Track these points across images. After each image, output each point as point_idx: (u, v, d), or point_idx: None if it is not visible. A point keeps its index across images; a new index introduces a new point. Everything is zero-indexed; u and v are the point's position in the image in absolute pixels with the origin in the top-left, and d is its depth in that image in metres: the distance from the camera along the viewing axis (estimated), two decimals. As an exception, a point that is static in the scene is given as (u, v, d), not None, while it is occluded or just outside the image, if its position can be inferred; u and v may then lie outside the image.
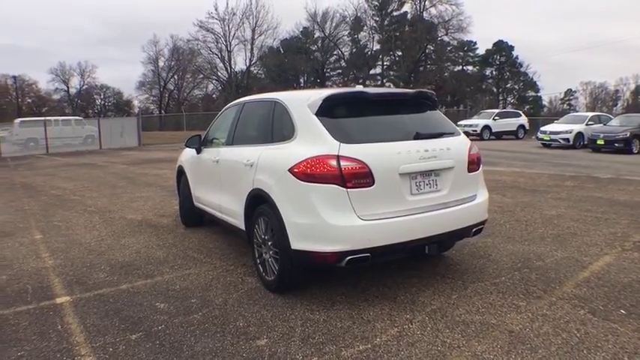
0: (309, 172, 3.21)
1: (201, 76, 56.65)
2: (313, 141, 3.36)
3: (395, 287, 3.75)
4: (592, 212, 6.25)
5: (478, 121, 24.53)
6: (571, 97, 60.54)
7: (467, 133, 23.44)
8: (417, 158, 3.36)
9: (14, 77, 56.63)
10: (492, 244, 4.89)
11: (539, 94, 55.42)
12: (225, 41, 53.24)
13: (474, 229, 3.74)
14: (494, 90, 56.00)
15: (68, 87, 63.28)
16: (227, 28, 52.64)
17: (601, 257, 4.36)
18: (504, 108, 44.00)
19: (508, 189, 8.12)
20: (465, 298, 3.51)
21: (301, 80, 54.82)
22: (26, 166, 16.22)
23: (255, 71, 55.60)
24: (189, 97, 61.45)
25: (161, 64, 59.09)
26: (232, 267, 4.42)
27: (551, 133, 18.93)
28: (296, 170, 3.27)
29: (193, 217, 5.85)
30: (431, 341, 2.87)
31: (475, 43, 53.71)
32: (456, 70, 52.83)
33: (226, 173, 4.54)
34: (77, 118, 29.07)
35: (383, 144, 3.33)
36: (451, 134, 3.77)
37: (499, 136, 24.42)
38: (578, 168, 11.39)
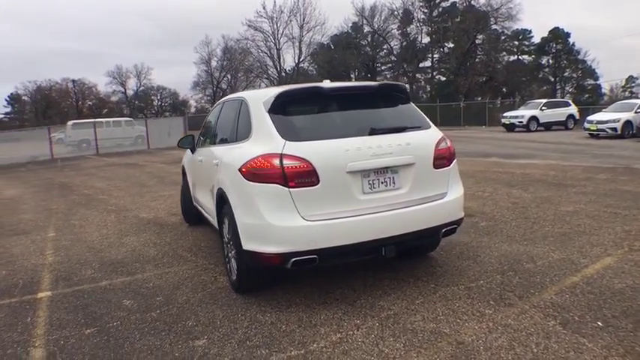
0: (254, 172, 3.15)
1: (253, 75, 57.91)
2: (263, 140, 3.29)
3: (360, 290, 3.60)
4: (612, 208, 5.67)
5: (524, 112, 23.12)
6: (633, 85, 55.58)
7: (513, 125, 22.64)
8: (368, 155, 3.18)
9: (73, 81, 60.68)
10: (487, 243, 4.57)
11: (598, 82, 51.54)
12: (274, 39, 54.12)
13: (443, 230, 3.49)
14: (551, 79, 52.67)
15: (125, 89, 66.11)
16: (275, 26, 53.49)
17: (601, 259, 3.94)
18: (562, 97, 41.28)
19: (533, 183, 7.58)
20: (429, 303, 3.30)
21: (352, 75, 54.57)
22: (72, 166, 17.37)
23: (305, 67, 56.04)
24: None
25: (214, 63, 60.79)
26: (212, 266, 4.45)
27: (598, 122, 17.44)
28: (244, 170, 3.22)
29: (193, 215, 5.97)
30: (368, 350, 2.72)
31: (530, 32, 50.99)
32: (511, 59, 50.29)
33: (204, 173, 4.58)
34: (127, 119, 30.52)
35: (330, 141, 3.19)
36: (416, 128, 3.55)
37: (548, 127, 22.88)
38: (618, 159, 10.41)
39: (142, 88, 66.36)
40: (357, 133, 3.28)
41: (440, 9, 49.84)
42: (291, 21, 53.23)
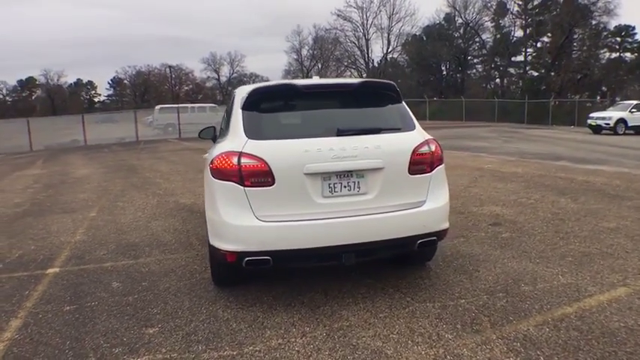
0: (217, 169, 3.16)
1: (343, 66, 58.23)
2: (233, 137, 3.28)
3: (332, 295, 3.48)
4: (665, 230, 4.85)
5: (612, 114, 20.62)
6: None
7: (599, 127, 20.27)
8: (329, 157, 3.03)
9: (170, 67, 65.02)
10: (496, 258, 4.17)
11: None
12: (363, 29, 53.87)
13: (419, 241, 3.23)
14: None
15: (219, 75, 68.88)
16: (365, 16, 53.19)
17: (613, 289, 3.39)
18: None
19: (587, 192, 6.74)
20: (391, 319, 3.08)
21: (442, 68, 52.79)
22: (150, 149, 18.76)
23: (396, 58, 55.23)
24: None
25: (304, 52, 61.64)
26: (210, 256, 4.57)
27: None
28: (211, 166, 3.25)
29: None
30: None
31: (634, 28, 45.54)
32: (612, 57, 45.12)
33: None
34: (212, 105, 32.02)
35: (290, 141, 3.09)
36: (394, 130, 3.30)
37: (638, 130, 20.18)
38: None
39: (234, 75, 68.80)
40: (324, 134, 3.14)
41: (536, 1, 46.03)
42: (380, 11, 52.57)
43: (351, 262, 3.12)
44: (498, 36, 47.95)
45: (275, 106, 3.37)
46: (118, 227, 5.86)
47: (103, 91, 72.93)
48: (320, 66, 60.52)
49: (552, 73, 40.14)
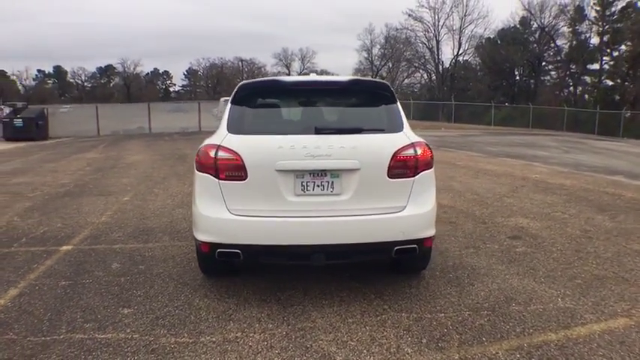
0: (197, 161, 3.23)
1: (415, 66, 57.38)
2: (218, 131, 3.34)
3: (311, 295, 3.43)
4: None
5: None
6: None
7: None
8: (302, 155, 2.98)
9: (242, 60, 67.15)
10: (497, 273, 3.90)
11: None
12: (434, 30, 52.80)
13: (396, 248, 3.10)
14: None
15: (289, 71, 69.14)
16: (436, 16, 52.08)
17: (614, 319, 3.04)
18: None
19: (629, 211, 6.07)
20: (358, 325, 2.98)
21: (515, 72, 50.53)
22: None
23: (467, 60, 53.73)
24: (403, 85, 62.52)
25: (375, 51, 61.21)
26: (213, 246, 4.69)
27: None
28: (195, 158, 3.32)
29: None
30: (246, 355, 2.62)
31: None
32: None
33: None
34: None
35: (264, 136, 3.08)
36: (376, 131, 3.18)
37: None
38: None
39: (305, 70, 69.14)
40: (301, 131, 3.10)
41: (615, 7, 42.42)
42: (452, 12, 51.09)
43: (320, 263, 3.06)
44: (574, 42, 44.94)
45: (260, 101, 3.39)
46: (142, 212, 6.16)
47: (178, 82, 76.88)
48: (390, 65, 59.97)
49: (627, 83, 36.84)
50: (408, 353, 2.65)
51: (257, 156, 3.03)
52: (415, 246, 3.16)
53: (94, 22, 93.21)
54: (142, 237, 5.01)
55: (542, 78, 48.67)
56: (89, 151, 15.05)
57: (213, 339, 2.81)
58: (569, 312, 3.16)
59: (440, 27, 52.08)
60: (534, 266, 4.08)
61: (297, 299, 3.38)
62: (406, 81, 61.71)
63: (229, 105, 3.42)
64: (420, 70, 57.33)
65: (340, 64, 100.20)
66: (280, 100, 3.38)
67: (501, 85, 48.66)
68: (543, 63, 48.21)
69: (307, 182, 3.03)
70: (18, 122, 19.02)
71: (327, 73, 68.29)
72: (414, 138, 3.25)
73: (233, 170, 3.03)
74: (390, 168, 3.07)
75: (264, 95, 3.40)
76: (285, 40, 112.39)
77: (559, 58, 46.96)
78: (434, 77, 55.05)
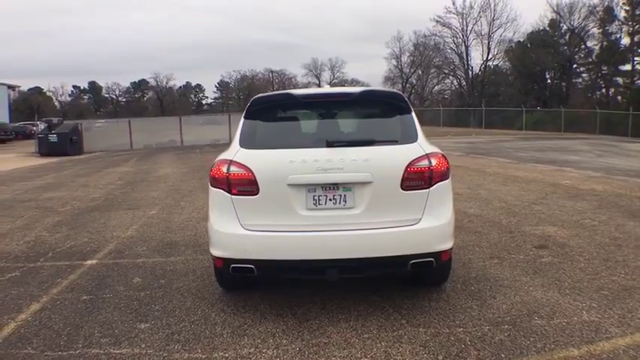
0: (211, 176, 3.25)
1: (445, 73, 56.95)
2: (232, 145, 3.36)
3: (329, 309, 3.36)
4: None
5: None
6: None
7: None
8: (313, 169, 2.95)
9: (272, 72, 67.95)
10: (521, 285, 3.74)
11: None
12: (463, 36, 52.32)
13: (412, 262, 3.02)
14: None
15: (320, 81, 69.66)
16: (464, 22, 51.61)
17: (638, 333, 2.86)
18: None
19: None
20: (374, 340, 2.91)
21: (547, 75, 49.38)
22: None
23: (500, 65, 52.96)
24: (433, 92, 62.07)
25: (404, 59, 61.01)
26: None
27: None
28: (209, 174, 3.35)
29: None
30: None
31: None
32: None
33: None
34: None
35: (276, 151, 3.07)
36: (389, 142, 3.12)
37: None
38: None
39: (335, 80, 69.49)
40: (313, 144, 3.08)
41: None
42: (480, 17, 50.49)
43: (334, 278, 3.02)
44: (605, 43, 43.51)
45: (272, 115, 3.39)
46: (168, 226, 6.27)
47: (210, 94, 78.55)
48: (420, 72, 59.62)
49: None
50: (418, 371, 2.57)
51: (268, 170, 3.02)
52: (432, 259, 3.07)
53: (128, 38, 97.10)
54: (166, 250, 5.08)
55: (573, 80, 47.55)
56: (121, 165, 15.51)
57: (226, 355, 2.80)
58: (593, 325, 3.00)
59: (468, 32, 51.81)
60: (560, 277, 3.91)
61: (314, 314, 3.34)
62: (436, 88, 61.29)
63: (242, 120, 3.44)
64: (450, 77, 56.86)
65: (370, 73, 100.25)
66: (293, 114, 3.38)
67: (533, 89, 47.57)
68: (574, 65, 46.99)
69: (319, 196, 3.00)
70: (53, 138, 19.79)
71: (357, 82, 68.75)
72: (429, 149, 3.17)
73: (245, 185, 3.04)
74: (403, 180, 3.01)
75: (277, 109, 3.41)
76: (315, 50, 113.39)
77: (590, 59, 45.69)
78: (464, 83, 54.55)
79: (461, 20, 51.03)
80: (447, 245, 3.13)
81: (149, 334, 3.10)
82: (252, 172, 3.02)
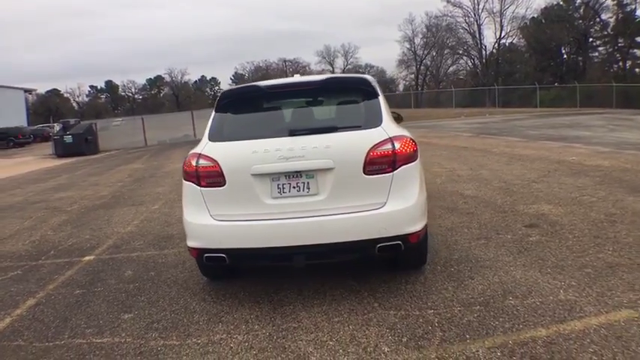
0: (183, 170, 3.34)
1: (459, 53, 56.05)
2: (202, 139, 3.43)
3: (305, 295, 3.44)
4: None
5: None
6: None
7: None
8: (275, 158, 3.00)
9: (285, 61, 67.77)
10: (502, 265, 3.73)
11: None
12: (474, 15, 51.26)
13: (378, 245, 3.05)
14: None
15: (333, 68, 69.38)
16: (475, 0, 50.56)
17: (614, 312, 2.82)
18: None
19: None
20: (342, 324, 2.97)
21: (562, 51, 48.01)
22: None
23: (513, 43, 51.84)
24: (448, 73, 61.26)
25: (417, 41, 60.35)
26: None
27: None
28: (182, 168, 3.44)
29: None
30: (225, 357, 2.70)
31: None
32: None
33: None
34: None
35: (240, 142, 3.13)
36: (352, 128, 3.14)
37: None
38: None
39: (348, 66, 69.03)
40: (276, 134, 3.13)
41: None
42: (491, -6, 49.40)
43: (301, 264, 3.09)
44: (620, 15, 41.87)
45: (240, 108, 3.45)
46: (167, 220, 6.43)
47: (225, 87, 78.87)
48: (434, 54, 58.71)
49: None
50: (384, 352, 2.61)
51: (233, 162, 3.09)
52: (399, 242, 3.09)
53: (141, 36, 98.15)
54: (161, 244, 5.23)
55: (590, 55, 46.30)
56: (133, 162, 15.85)
57: (199, 341, 2.91)
58: (568, 305, 2.98)
59: (480, 11, 50.94)
60: (544, 256, 3.87)
61: (290, 299, 3.42)
62: (451, 69, 60.30)
63: (213, 113, 3.51)
64: (464, 57, 55.91)
65: (383, 57, 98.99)
66: (259, 105, 3.43)
67: (549, 65, 46.42)
68: (590, 39, 45.58)
69: (283, 184, 3.05)
70: (68, 139, 20.33)
71: (370, 67, 68.17)
72: (394, 132, 3.17)
73: (212, 177, 3.12)
74: (365, 164, 3.03)
75: (244, 101, 3.46)
76: (328, 37, 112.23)
77: (605, 32, 44.15)
78: (478, 63, 53.61)
79: (472, -1, 50.17)
80: (415, 227, 3.14)
81: (131, 323, 3.24)
82: (219, 164, 3.10)
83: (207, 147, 3.22)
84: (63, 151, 20.03)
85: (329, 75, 3.46)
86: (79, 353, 2.88)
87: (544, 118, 21.17)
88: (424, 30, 58.18)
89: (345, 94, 3.38)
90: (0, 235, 6.19)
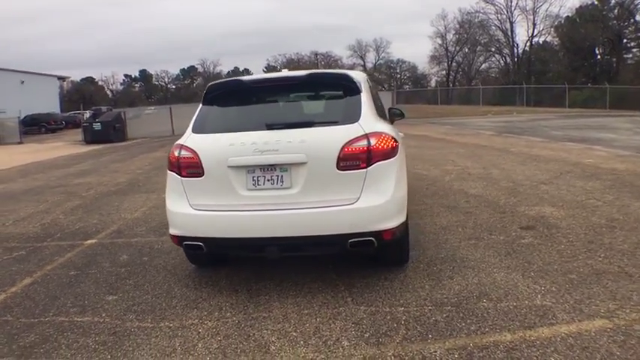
0: (168, 160, 3.44)
1: (491, 50, 54.96)
2: (186, 130, 3.52)
3: (284, 286, 3.50)
4: None
5: None
6: None
7: None
8: (250, 151, 3.06)
9: (316, 54, 67.64)
10: (486, 266, 3.68)
11: None
12: (507, 12, 50.12)
13: (350, 240, 3.07)
14: None
15: (364, 62, 68.77)
16: None
17: (588, 321, 2.74)
18: None
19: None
20: (311, 316, 3.02)
21: (596, 51, 46.34)
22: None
23: (547, 41, 50.45)
24: (480, 70, 60.09)
25: (449, 37, 59.37)
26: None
27: None
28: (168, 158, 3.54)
29: None
30: (188, 340, 2.79)
31: None
32: None
33: None
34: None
35: (219, 134, 3.21)
36: (329, 123, 3.16)
37: None
38: None
39: (380, 61, 68.72)
40: (254, 128, 3.19)
41: None
42: (525, -8, 48.16)
43: (274, 256, 3.13)
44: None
45: (224, 101, 3.52)
46: (172, 207, 6.60)
47: (257, 79, 79.21)
48: (466, 50, 57.60)
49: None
50: (343, 347, 2.64)
51: (211, 153, 3.17)
52: (372, 239, 3.09)
53: (175, 26, 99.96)
54: (161, 230, 5.38)
55: (624, 56, 44.42)
56: (157, 151, 16.21)
57: (171, 325, 3.01)
58: (541, 310, 2.93)
59: (513, 8, 49.96)
60: (531, 259, 3.80)
61: (268, 289, 3.48)
62: (483, 66, 59.01)
63: (200, 106, 3.60)
64: (496, 55, 54.66)
65: (415, 53, 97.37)
66: (242, 99, 3.48)
67: (582, 65, 44.80)
68: (624, 40, 43.68)
69: (258, 177, 3.11)
70: (97, 126, 20.98)
71: (402, 62, 67.46)
72: (371, 128, 3.17)
73: (192, 168, 3.21)
74: (339, 160, 3.04)
75: (228, 95, 3.52)
76: (361, 31, 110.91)
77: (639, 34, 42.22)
78: (509, 61, 52.37)
79: (505, -5, 49.07)
80: (389, 224, 3.13)
81: (113, 305, 3.38)
82: (198, 155, 3.18)
83: (189, 139, 3.31)
84: (91, 137, 20.70)
85: (312, 71, 3.48)
86: (58, 330, 3.03)
87: (571, 118, 20.48)
88: (456, 26, 57.21)
89: (326, 89, 3.40)
90: (15, 217, 6.50)
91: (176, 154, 3.30)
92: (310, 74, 3.37)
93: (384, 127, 3.35)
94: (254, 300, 3.32)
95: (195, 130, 3.36)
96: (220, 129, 3.30)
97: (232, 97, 3.51)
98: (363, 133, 3.11)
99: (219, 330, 2.90)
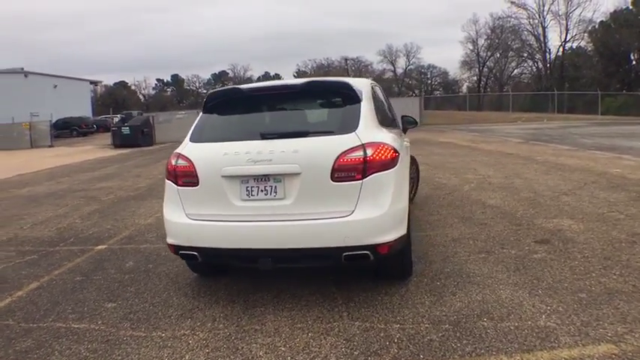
0: (166, 169, 3.45)
1: (523, 56, 53.98)
2: (185, 139, 3.53)
3: (282, 298, 3.45)
4: None
5: None
6: None
7: None
8: (244, 161, 3.02)
9: (346, 59, 67.70)
10: (492, 282, 3.52)
11: None
12: (539, 17, 49.13)
13: (345, 254, 2.98)
14: None
15: (395, 68, 69.06)
16: (541, 2, 48.48)
17: (593, 345, 2.56)
18: None
19: None
20: (303, 331, 2.95)
21: (631, 57, 44.74)
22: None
23: (581, 46, 49.17)
24: (513, 76, 59.15)
25: (481, 42, 58.82)
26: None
27: None
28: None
29: None
30: (177, 351, 2.76)
31: None
32: None
33: None
34: None
35: (214, 144, 3.19)
36: (325, 133, 3.09)
37: None
38: None
39: (410, 67, 68.69)
40: (249, 137, 3.15)
41: None
42: (558, -4, 47.07)
43: (267, 267, 3.08)
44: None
45: (223, 109, 3.51)
46: (185, 213, 6.66)
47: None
48: (498, 56, 56.66)
49: None
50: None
51: (207, 163, 3.16)
52: (367, 252, 3.00)
53: (207, 31, 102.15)
54: (170, 237, 5.43)
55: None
56: (179, 156, 16.51)
57: (163, 335, 3.00)
58: (544, 332, 2.76)
59: (545, 13, 49.06)
60: (541, 276, 3.62)
61: (264, 301, 3.43)
62: (515, 72, 57.84)
63: (200, 114, 3.60)
64: (528, 60, 53.53)
65: (446, 58, 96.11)
66: (239, 108, 3.46)
67: (617, 71, 43.14)
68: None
69: (252, 187, 3.07)
70: (125, 130, 21.52)
71: (433, 67, 67.18)
72: (369, 138, 3.08)
73: (187, 177, 3.21)
74: (333, 171, 2.96)
75: (227, 104, 3.51)
76: (391, 36, 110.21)
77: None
78: (541, 67, 51.18)
79: (537, 0, 47.95)
80: (386, 238, 3.03)
81: (111, 312, 3.40)
82: (194, 165, 3.18)
83: (186, 147, 3.32)
84: (120, 141, 21.24)
85: (310, 79, 3.43)
86: (54, 336, 3.06)
87: (603, 126, 19.75)
88: (488, 31, 56.35)
89: (325, 98, 3.34)
90: (33, 220, 6.70)
91: (173, 162, 3.31)
92: (309, 82, 3.32)
93: (384, 136, 3.26)
94: (249, 312, 3.27)
95: (192, 139, 3.37)
96: (216, 138, 3.29)
97: (231, 105, 3.49)
98: (360, 143, 3.03)
99: (208, 342, 2.87)
